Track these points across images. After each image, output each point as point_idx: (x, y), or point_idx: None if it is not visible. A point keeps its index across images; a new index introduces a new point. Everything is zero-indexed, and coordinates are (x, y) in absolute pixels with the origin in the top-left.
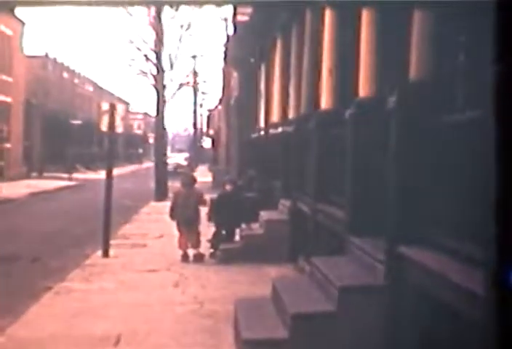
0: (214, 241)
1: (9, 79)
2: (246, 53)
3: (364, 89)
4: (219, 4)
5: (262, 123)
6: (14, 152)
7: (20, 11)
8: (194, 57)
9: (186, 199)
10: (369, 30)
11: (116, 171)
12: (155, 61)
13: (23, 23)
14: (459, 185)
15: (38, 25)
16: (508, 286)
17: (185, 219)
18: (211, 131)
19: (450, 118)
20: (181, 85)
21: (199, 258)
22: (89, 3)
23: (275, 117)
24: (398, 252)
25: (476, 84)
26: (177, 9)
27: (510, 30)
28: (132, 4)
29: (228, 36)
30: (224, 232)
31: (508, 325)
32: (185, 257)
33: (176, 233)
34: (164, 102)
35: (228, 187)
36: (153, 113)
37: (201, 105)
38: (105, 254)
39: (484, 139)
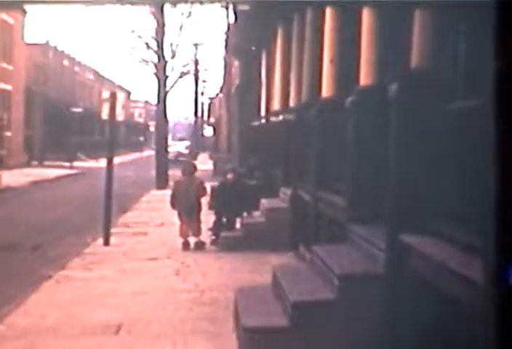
0: (215, 229)
1: (10, 67)
2: (247, 41)
3: (365, 77)
4: (215, 1)
5: (263, 111)
6: (15, 140)
7: None
8: (195, 45)
9: (187, 187)
10: (370, 18)
11: (116, 160)
12: (156, 49)
13: (25, 12)
14: (460, 173)
15: (39, 13)
16: (508, 279)
17: (186, 208)
18: (212, 120)
19: (451, 106)
20: (182, 73)
21: (200, 246)
22: (91, 2)
23: (276, 105)
24: (398, 240)
25: (477, 73)
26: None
27: (509, 29)
28: (132, 3)
29: (229, 24)
30: (224, 220)
31: (508, 317)
32: (185, 245)
33: (177, 221)
34: (165, 90)
35: (230, 176)
36: (154, 101)
37: (202, 93)
38: (106, 242)
39: (485, 128)
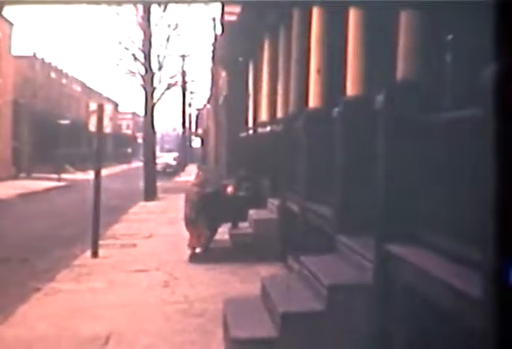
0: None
1: None
2: (234, 52)
3: (351, 88)
4: (207, 3)
5: (250, 123)
6: (3, 152)
7: (8, 12)
8: (183, 56)
9: (192, 198)
10: (356, 29)
11: (104, 171)
12: (143, 61)
13: (11, 24)
14: (447, 183)
15: (26, 25)
16: (506, 284)
17: (189, 218)
18: (200, 131)
19: (438, 117)
20: (169, 85)
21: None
22: (77, 2)
23: (263, 116)
24: (387, 251)
25: (465, 84)
26: (164, 9)
27: (506, 29)
28: (120, 3)
29: (215, 36)
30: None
31: (500, 325)
32: (192, 257)
33: (165, 232)
34: (153, 101)
35: (230, 189)
36: (142, 112)
37: (189, 105)
38: (94, 254)
39: (473, 138)
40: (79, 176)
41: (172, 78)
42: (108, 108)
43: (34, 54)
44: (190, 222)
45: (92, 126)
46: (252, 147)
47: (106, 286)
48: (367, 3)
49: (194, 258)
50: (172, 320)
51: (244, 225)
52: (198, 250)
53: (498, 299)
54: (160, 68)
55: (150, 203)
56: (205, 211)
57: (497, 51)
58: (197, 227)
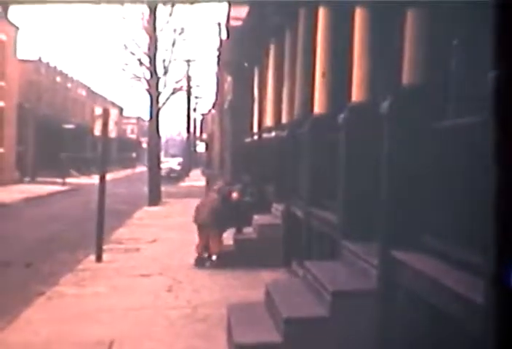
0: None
1: (2, 83)
2: (239, 57)
3: (357, 94)
4: (204, 2)
5: (255, 128)
6: (7, 157)
7: (13, 15)
8: (188, 61)
9: (207, 203)
10: (362, 34)
11: (109, 176)
12: (148, 65)
13: (17, 28)
14: (452, 189)
15: (31, 29)
16: (507, 287)
17: (201, 223)
18: (204, 136)
19: (443, 122)
20: (174, 89)
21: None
22: (78, 1)
23: (268, 121)
24: (391, 257)
25: (470, 89)
26: (170, 14)
27: (507, 30)
28: (124, 2)
29: (221, 41)
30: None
31: (501, 328)
32: (198, 261)
33: (169, 237)
34: (158, 106)
35: (235, 195)
36: (147, 117)
37: (194, 110)
38: (98, 258)
39: (477, 143)
40: (83, 180)
41: (177, 82)
42: (113, 113)
43: (39, 58)
44: (203, 227)
45: (97, 131)
46: (257, 152)
47: (110, 291)
48: (367, 3)
49: (199, 262)
50: (175, 325)
51: (248, 230)
52: (214, 257)
53: (499, 302)
54: (165, 73)
55: (154, 208)
56: (221, 217)
57: (498, 53)
58: (209, 232)
